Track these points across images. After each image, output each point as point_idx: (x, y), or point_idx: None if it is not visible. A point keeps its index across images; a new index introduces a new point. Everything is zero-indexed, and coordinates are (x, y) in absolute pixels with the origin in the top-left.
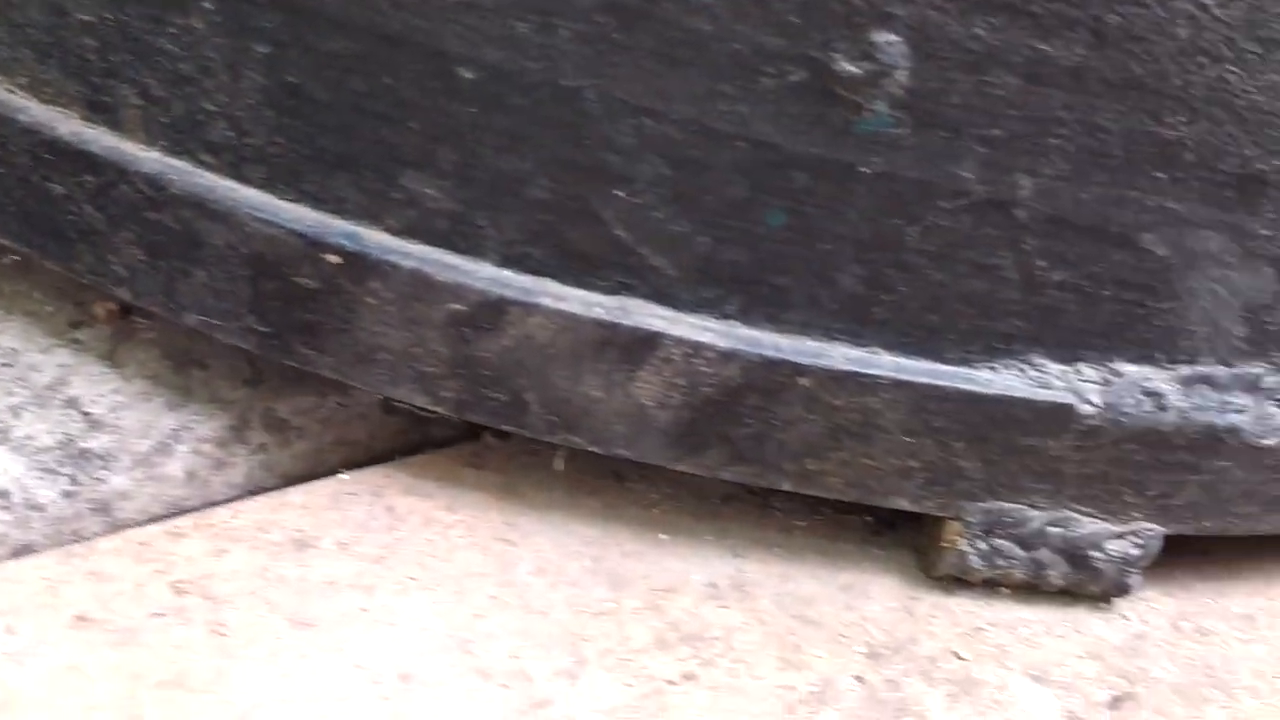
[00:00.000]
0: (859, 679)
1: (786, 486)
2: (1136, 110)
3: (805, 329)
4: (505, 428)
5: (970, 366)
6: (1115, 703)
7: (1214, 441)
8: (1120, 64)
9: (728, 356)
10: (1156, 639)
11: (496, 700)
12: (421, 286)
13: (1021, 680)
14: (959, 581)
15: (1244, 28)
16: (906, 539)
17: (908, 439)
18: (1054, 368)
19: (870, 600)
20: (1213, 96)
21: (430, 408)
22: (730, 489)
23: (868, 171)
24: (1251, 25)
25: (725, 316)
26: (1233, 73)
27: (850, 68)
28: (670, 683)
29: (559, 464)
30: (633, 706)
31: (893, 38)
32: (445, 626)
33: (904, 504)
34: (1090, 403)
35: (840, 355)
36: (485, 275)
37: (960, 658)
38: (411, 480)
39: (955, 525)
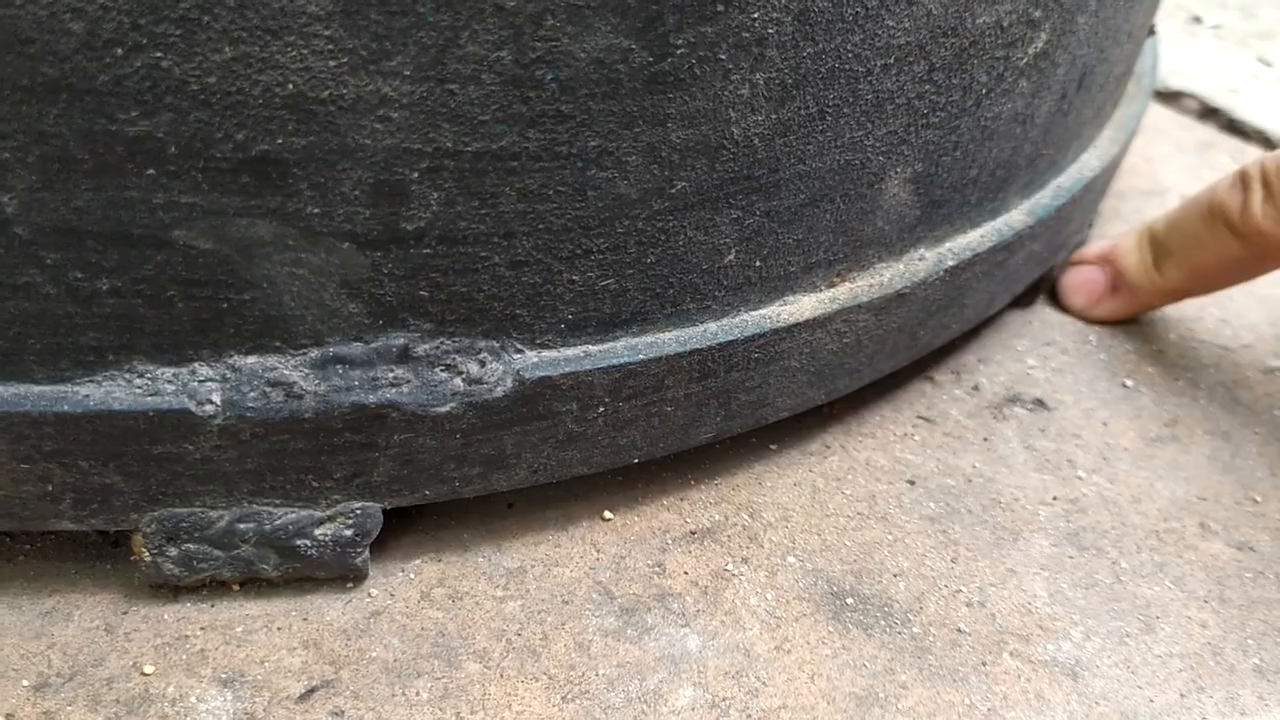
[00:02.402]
0: (9, 717)
1: None
2: (79, 111)
3: None
4: None
5: (70, 384)
6: (307, 694)
7: (377, 419)
8: (25, 68)
9: None
10: (395, 613)
11: None
12: None
13: (207, 687)
14: (182, 588)
15: (149, 11)
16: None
17: (26, 466)
18: (165, 372)
19: (70, 624)
20: (156, 86)
21: None
22: None
23: None
24: (157, 8)
25: None
26: (165, 59)
27: None
28: None
29: None
30: None
31: None
32: None
33: (68, 525)
34: (211, 402)
35: None
36: None
37: (144, 673)
38: None
39: (138, 537)
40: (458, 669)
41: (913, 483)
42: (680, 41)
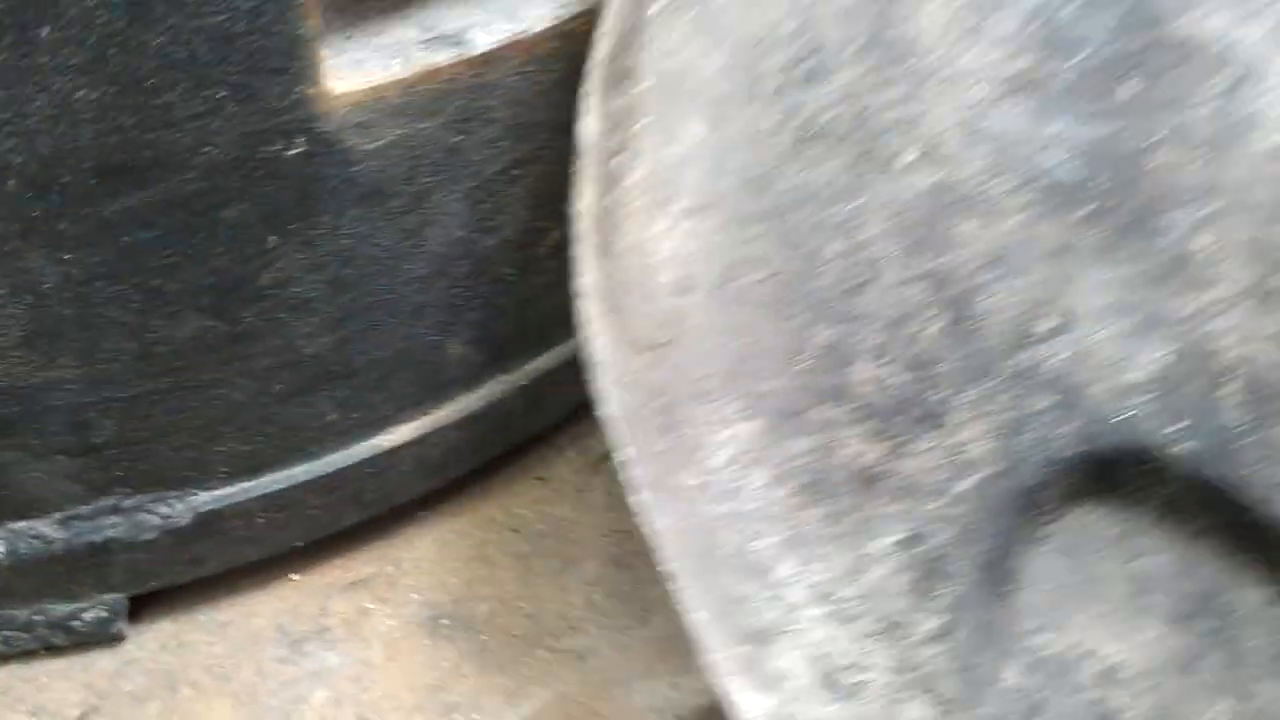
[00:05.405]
0: None
1: None
2: None
3: None
4: None
5: None
6: (89, 713)
7: (105, 549)
8: None
9: None
10: (141, 659)
11: None
12: None
13: (22, 715)
14: (9, 658)
15: None
16: None
17: None
18: None
19: None
20: None
21: None
22: None
23: None
24: None
25: None
26: None
27: None
28: None
29: None
30: None
31: None
32: None
33: None
34: None
35: None
36: None
37: None
38: None
39: None
40: (176, 693)
41: (516, 530)
42: (247, 314)
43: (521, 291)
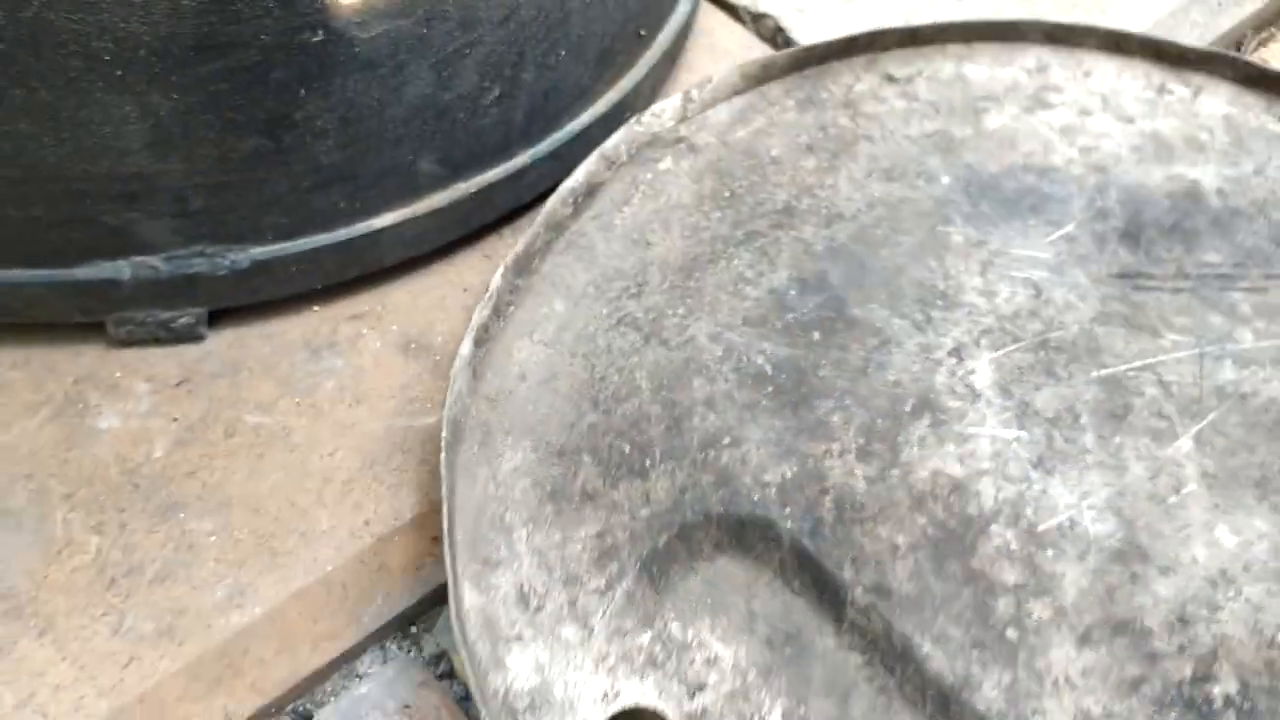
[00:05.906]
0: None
1: None
2: None
3: None
4: None
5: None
6: (182, 381)
7: (188, 279)
8: None
9: None
10: (216, 352)
11: None
12: None
13: (137, 382)
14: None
15: None
16: None
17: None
18: (123, 264)
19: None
20: None
21: None
22: None
23: None
24: None
25: None
26: None
27: None
28: None
29: None
30: None
31: None
32: None
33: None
34: (125, 273)
35: None
36: None
37: (113, 378)
38: None
39: (108, 325)
40: (238, 374)
41: (465, 289)
42: (286, 137)
43: (471, 128)
